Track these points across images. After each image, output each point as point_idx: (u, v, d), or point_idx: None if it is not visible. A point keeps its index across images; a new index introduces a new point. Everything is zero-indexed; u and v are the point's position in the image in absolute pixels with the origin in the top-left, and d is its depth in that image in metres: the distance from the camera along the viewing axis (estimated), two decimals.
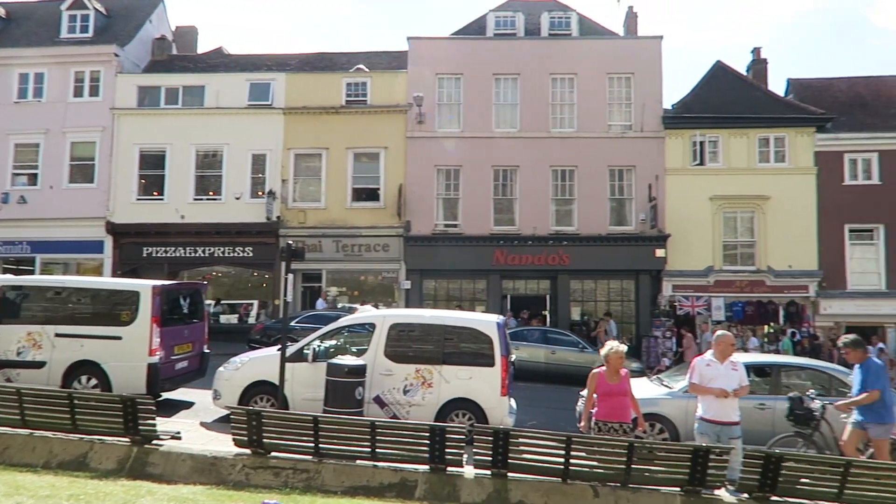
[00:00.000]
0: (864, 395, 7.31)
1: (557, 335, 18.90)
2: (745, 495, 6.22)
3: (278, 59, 25.56)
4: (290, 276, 10.12)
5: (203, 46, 29.11)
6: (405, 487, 6.36)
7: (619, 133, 22.18)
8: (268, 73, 23.62)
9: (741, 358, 11.35)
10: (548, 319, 21.91)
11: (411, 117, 22.31)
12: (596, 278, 22.22)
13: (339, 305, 20.90)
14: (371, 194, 22.50)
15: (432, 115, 22.36)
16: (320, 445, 6.69)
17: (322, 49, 36.62)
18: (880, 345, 19.45)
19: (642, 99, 22.08)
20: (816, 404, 8.38)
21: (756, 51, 25.34)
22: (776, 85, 24.97)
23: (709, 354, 7.29)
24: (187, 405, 11.46)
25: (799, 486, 6.19)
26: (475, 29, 24.24)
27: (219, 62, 25.78)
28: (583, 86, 22.29)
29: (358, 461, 6.71)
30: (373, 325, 9.99)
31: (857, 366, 7.61)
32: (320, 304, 20.96)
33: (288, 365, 9.59)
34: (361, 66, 24.16)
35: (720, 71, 23.96)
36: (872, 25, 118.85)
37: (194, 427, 9.22)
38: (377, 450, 6.60)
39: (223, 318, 23.09)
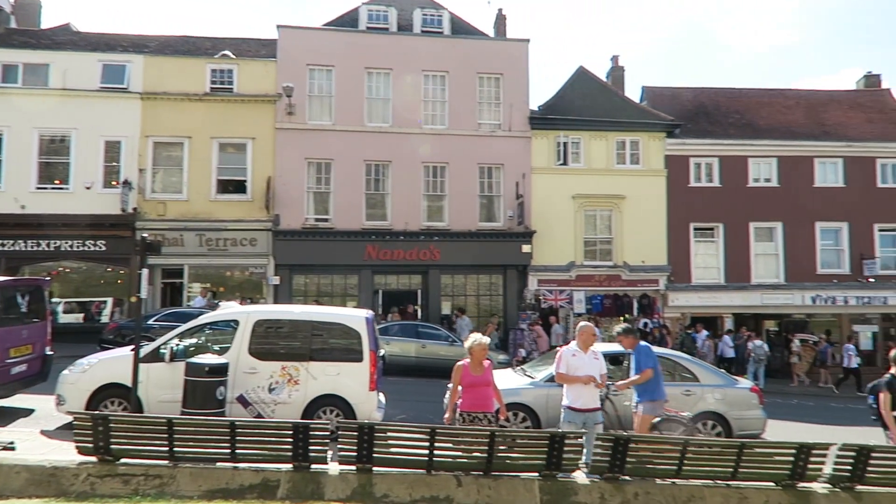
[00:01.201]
0: (639, 375, 8.03)
1: (428, 329, 19.15)
2: (598, 476, 6.59)
3: (135, 41, 23.92)
4: (146, 271, 9.52)
5: (47, 22, 26.65)
6: (267, 488, 6.18)
7: (488, 132, 22.77)
8: (123, 54, 22.03)
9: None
10: (419, 314, 22.13)
11: (281, 108, 21.68)
12: (466, 273, 22.72)
13: (217, 302, 19.83)
14: (238, 186, 21.64)
15: (303, 106, 21.86)
16: (175, 449, 6.36)
17: (185, 32, 34.71)
18: (704, 332, 21.21)
19: (510, 99, 22.80)
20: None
21: (615, 58, 26.93)
22: (632, 91, 26.62)
23: (573, 345, 7.63)
24: (26, 413, 10.49)
25: (645, 465, 6.65)
26: (347, 21, 23.96)
27: (66, 40, 23.72)
28: (454, 84, 22.66)
29: (218, 463, 6.44)
30: (236, 322, 9.62)
31: (632, 351, 8.37)
32: (199, 301, 19.76)
33: (143, 366, 9.02)
34: (227, 52, 23.15)
35: (582, 76, 25.22)
36: (717, 41, 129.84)
37: (34, 436, 8.45)
38: (237, 451, 6.36)
39: (69, 318, 21.29)
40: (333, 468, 6.41)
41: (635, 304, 22.96)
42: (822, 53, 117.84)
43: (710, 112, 25.16)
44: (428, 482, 6.29)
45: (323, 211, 22.01)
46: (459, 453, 6.57)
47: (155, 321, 16.36)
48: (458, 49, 23.02)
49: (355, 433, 6.33)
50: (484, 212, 22.74)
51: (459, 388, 7.09)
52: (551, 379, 10.02)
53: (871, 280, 23.33)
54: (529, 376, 10.61)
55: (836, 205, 23.59)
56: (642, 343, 8.52)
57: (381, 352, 10.52)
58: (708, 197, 23.48)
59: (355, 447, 6.29)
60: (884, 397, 7.93)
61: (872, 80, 27.25)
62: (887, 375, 8.11)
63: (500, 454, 6.43)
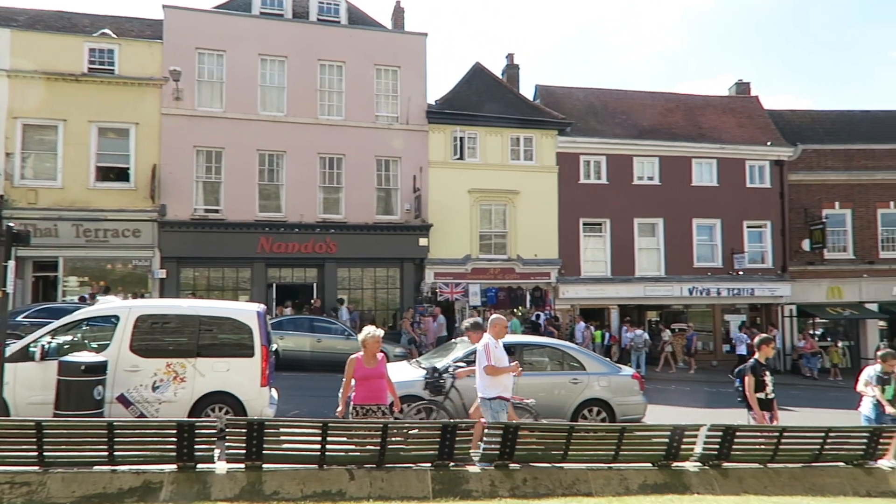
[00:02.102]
0: (470, 368, 8.21)
1: (324, 323, 18.90)
2: (489, 464, 6.75)
3: (2, 13, 22.01)
4: (12, 263, 8.81)
5: None
6: (149, 490, 5.90)
7: (386, 124, 22.68)
8: None
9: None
10: (323, 307, 21.74)
11: (167, 93, 20.63)
12: (363, 266, 22.57)
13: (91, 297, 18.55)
14: (120, 174, 20.41)
15: (191, 91, 20.90)
16: (45, 453, 5.94)
17: (60, 6, 32.31)
18: (582, 324, 22.29)
19: (408, 92, 22.82)
20: (446, 376, 9.52)
21: (510, 56, 27.50)
22: (526, 89, 27.32)
23: (489, 337, 7.77)
24: None
25: (533, 453, 6.88)
26: (240, 5, 23.10)
27: None
28: (351, 75, 22.40)
29: (95, 467, 6.08)
30: (116, 318, 9.11)
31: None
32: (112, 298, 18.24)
33: (9, 366, 8.38)
34: (108, 30, 21.77)
35: (479, 72, 25.62)
36: (608, 45, 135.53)
37: None
38: (116, 453, 6.03)
39: None
40: (221, 467, 6.21)
41: (528, 297, 23.66)
42: (701, 60, 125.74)
43: (598, 112, 26.24)
44: (320, 477, 6.23)
45: (213, 201, 21.19)
46: (352, 447, 6.54)
47: (24, 318, 15.20)
48: (355, 39, 22.75)
49: (244, 430, 6.17)
50: (381, 205, 22.66)
51: (353, 381, 7.07)
52: (446, 370, 10.23)
53: (740, 273, 25.18)
54: (424, 369, 10.70)
55: (710, 203, 25.28)
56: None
57: (274, 347, 10.30)
58: (596, 193, 24.52)
59: (244, 444, 6.13)
60: (748, 381, 8.62)
61: (743, 87, 29.33)
62: (752, 360, 8.83)
63: (393, 446, 6.46)
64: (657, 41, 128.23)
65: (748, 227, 25.70)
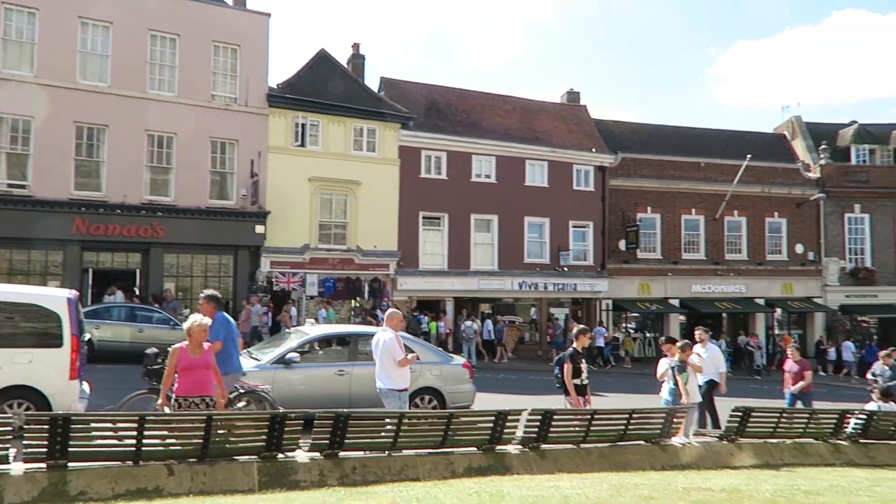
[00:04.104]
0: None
1: (147, 312, 17.71)
2: (317, 454, 6.71)
3: None
4: None
5: None
6: None
7: (223, 104, 21.62)
8: None
9: (322, 330, 12.24)
10: (148, 295, 20.27)
11: None
12: (193, 253, 21.38)
13: None
14: None
15: None
16: None
17: None
18: (424, 317, 22.91)
19: (248, 73, 21.91)
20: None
21: (356, 46, 27.30)
22: (370, 81, 27.29)
23: (389, 330, 8.19)
24: None
25: (363, 440, 6.94)
26: None
27: None
28: (186, 49, 21.08)
29: None
30: None
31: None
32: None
33: None
34: None
35: (324, 59, 25.16)
36: (452, 47, 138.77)
37: None
38: None
39: None
40: (17, 468, 5.63)
41: (366, 288, 23.70)
42: (539, 68, 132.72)
43: (441, 109, 26.84)
44: (135, 474, 5.85)
45: (19, 176, 19.04)
46: (173, 441, 6.22)
47: None
48: (191, 12, 21.40)
49: (46, 426, 5.63)
50: (216, 189, 21.59)
51: (176, 372, 6.71)
52: (279, 361, 10.03)
53: (565, 269, 26.99)
54: (255, 359, 10.40)
55: (541, 202, 26.82)
56: (221, 314, 8.20)
57: (87, 336, 9.48)
58: (436, 188, 25.10)
59: (46, 442, 5.60)
60: (567, 368, 9.29)
61: (574, 96, 31.36)
62: (570, 349, 9.52)
63: (217, 439, 6.22)
64: (500, 48, 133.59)
65: (573, 226, 27.59)
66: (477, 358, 22.22)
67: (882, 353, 14.19)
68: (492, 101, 28.49)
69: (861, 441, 9.87)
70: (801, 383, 11.95)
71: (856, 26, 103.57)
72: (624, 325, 28.10)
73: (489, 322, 25.23)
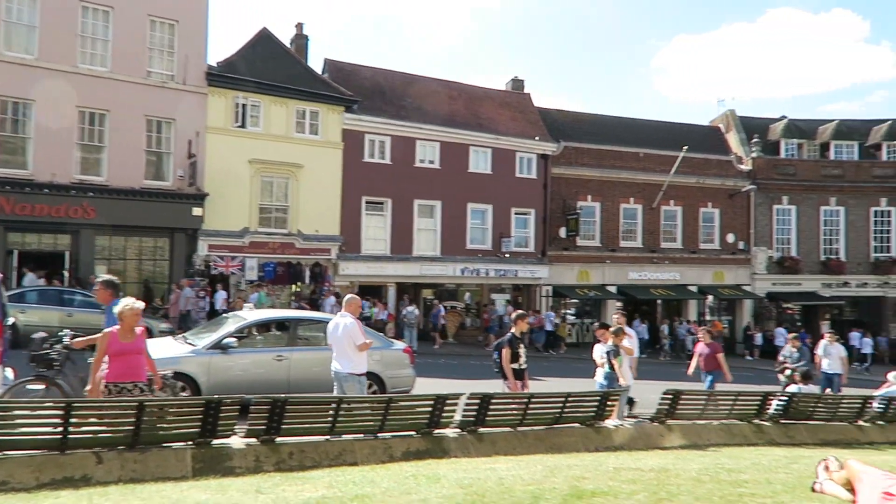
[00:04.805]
0: (98, 335, 6.94)
1: (77, 296, 17.07)
2: (254, 440, 6.63)
3: None
4: None
5: None
6: None
7: (159, 82, 20.90)
8: None
9: (261, 314, 12.07)
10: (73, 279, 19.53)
11: None
12: (127, 235, 20.71)
13: None
14: None
15: None
16: None
17: None
18: (366, 302, 22.74)
19: (186, 50, 21.24)
20: (58, 347, 8.12)
21: (299, 26, 26.77)
22: (314, 63, 26.83)
23: (350, 315, 8.22)
24: None
25: (300, 426, 6.90)
26: None
27: None
28: (120, 23, 20.26)
29: None
30: None
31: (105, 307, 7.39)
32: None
33: None
34: None
35: (266, 38, 24.57)
36: (398, 31, 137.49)
37: None
38: None
39: None
40: None
41: (307, 273, 23.43)
42: (486, 55, 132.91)
43: (385, 93, 26.63)
44: (61, 462, 5.66)
45: None
46: (103, 428, 6.05)
47: None
48: None
49: None
50: (151, 169, 20.92)
51: (106, 357, 6.51)
52: (215, 346, 9.84)
53: (506, 255, 27.30)
54: (191, 344, 10.18)
55: (484, 189, 27.00)
56: (120, 300, 7.42)
57: (10, 320, 9.09)
58: (379, 173, 24.94)
59: None
60: (505, 352, 9.45)
61: (518, 83, 31.58)
62: (509, 334, 9.67)
63: (149, 425, 6.07)
64: (447, 33, 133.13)
65: (515, 213, 27.89)
66: (421, 343, 22.30)
67: (790, 335, 15.26)
68: (437, 87, 28.43)
69: (782, 422, 10.37)
70: (714, 363, 12.79)
71: (789, 24, 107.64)
72: (563, 311, 28.63)
73: (441, 308, 25.39)
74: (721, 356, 12.95)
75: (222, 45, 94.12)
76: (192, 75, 21.32)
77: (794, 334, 15.40)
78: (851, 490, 4.17)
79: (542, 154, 28.35)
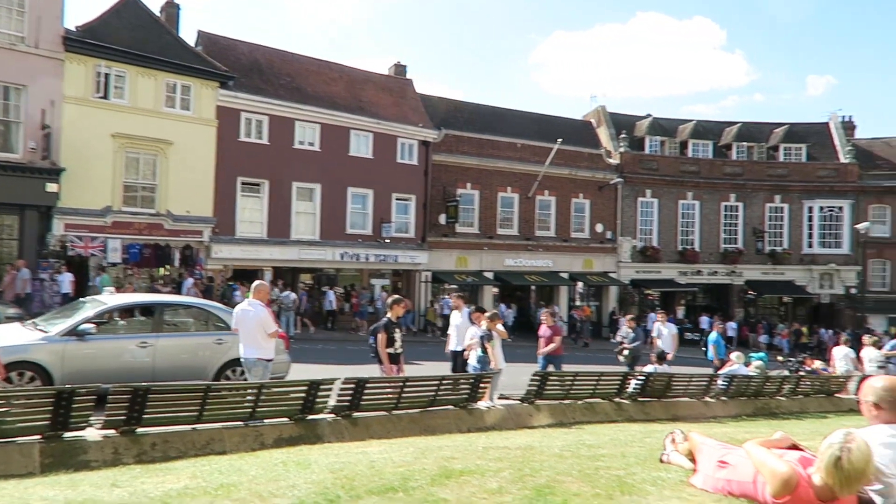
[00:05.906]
0: None
1: None
2: (112, 431, 6.27)
3: None
4: None
5: None
6: None
7: (7, 44, 19.02)
8: None
9: (123, 299, 11.41)
10: None
11: None
12: None
13: None
14: None
15: None
16: None
17: None
18: (239, 286, 22.14)
19: (39, 11, 19.43)
20: None
21: None
22: (186, 35, 25.40)
23: (258, 302, 8.47)
24: None
25: (164, 415, 6.59)
26: None
27: None
28: None
29: None
30: None
31: None
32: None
33: None
34: None
35: (132, 4, 22.90)
36: (279, 5, 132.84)
37: None
38: None
39: None
40: None
41: (177, 255, 22.30)
42: (370, 37, 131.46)
43: (264, 70, 25.72)
44: None
45: None
46: None
47: None
48: None
49: None
50: None
51: None
52: (70, 332, 9.17)
53: (387, 241, 27.31)
54: (42, 331, 9.43)
55: (364, 173, 26.81)
56: None
57: None
58: (256, 153, 24.11)
59: None
60: (381, 337, 9.49)
61: (401, 69, 31.53)
62: (385, 319, 9.72)
63: None
64: (330, 11, 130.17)
65: (396, 199, 27.93)
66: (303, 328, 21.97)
67: (627, 317, 16.56)
68: (318, 67, 27.82)
69: (639, 399, 11.15)
70: (550, 346, 13.06)
71: (656, 29, 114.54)
72: (441, 296, 29.08)
73: (331, 293, 25.08)
74: (559, 338, 13.14)
75: (83, 8, 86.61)
76: (47, 39, 19.56)
77: (629, 316, 16.67)
78: (693, 460, 4.57)
79: (423, 141, 28.51)
